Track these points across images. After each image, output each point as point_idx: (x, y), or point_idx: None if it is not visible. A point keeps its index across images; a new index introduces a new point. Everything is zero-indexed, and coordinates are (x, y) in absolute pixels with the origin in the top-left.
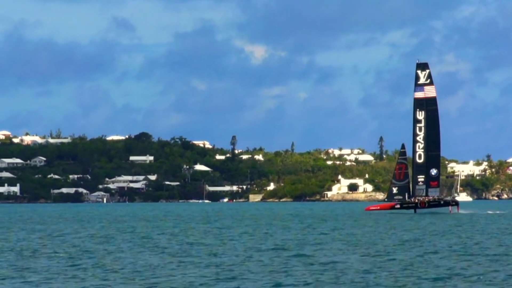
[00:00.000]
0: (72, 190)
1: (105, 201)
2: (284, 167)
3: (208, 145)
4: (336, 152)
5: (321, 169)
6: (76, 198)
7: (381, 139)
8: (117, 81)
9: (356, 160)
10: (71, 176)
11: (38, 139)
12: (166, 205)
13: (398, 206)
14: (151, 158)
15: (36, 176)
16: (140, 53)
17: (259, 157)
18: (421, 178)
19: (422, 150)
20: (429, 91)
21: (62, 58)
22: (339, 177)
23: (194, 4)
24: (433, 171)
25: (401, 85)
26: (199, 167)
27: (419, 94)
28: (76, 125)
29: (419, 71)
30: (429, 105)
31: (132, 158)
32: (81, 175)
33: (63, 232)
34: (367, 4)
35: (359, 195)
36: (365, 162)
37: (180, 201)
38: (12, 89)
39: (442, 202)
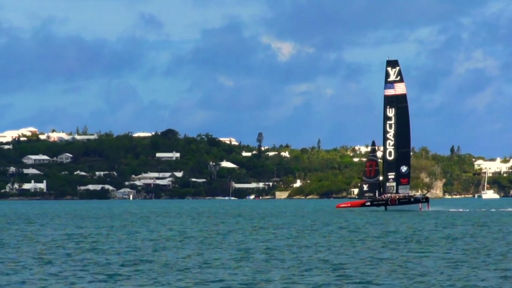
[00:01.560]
0: (98, 187)
1: (131, 198)
2: (310, 164)
3: (234, 142)
4: (363, 149)
5: (347, 166)
6: (102, 195)
7: None
8: (144, 77)
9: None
10: (97, 173)
11: (64, 136)
12: (204, 202)
13: (368, 203)
14: (177, 155)
15: (63, 172)
16: (167, 49)
17: (286, 154)
18: (391, 175)
19: (393, 147)
20: (399, 88)
21: (89, 55)
22: None
23: (222, 0)
24: (404, 168)
25: (429, 82)
26: (226, 164)
27: (389, 91)
28: (102, 122)
29: (389, 69)
30: (399, 102)
31: (158, 155)
32: (107, 172)
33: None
34: (395, 1)
35: None
36: None
37: (206, 198)
38: (40, 86)
39: (412, 200)
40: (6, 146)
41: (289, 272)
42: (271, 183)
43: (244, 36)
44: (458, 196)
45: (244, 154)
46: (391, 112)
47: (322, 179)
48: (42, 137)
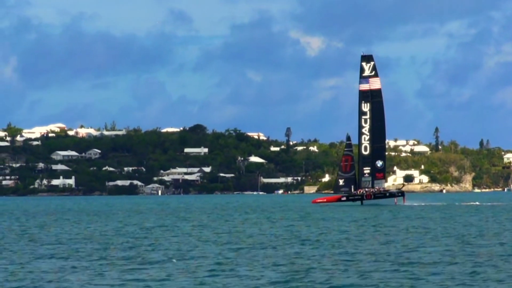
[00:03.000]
0: (127, 183)
1: (159, 194)
2: (339, 159)
3: (262, 136)
4: (392, 143)
5: None
6: (131, 190)
7: (436, 130)
8: (173, 73)
9: (412, 151)
10: (125, 169)
11: (93, 132)
12: (236, 197)
13: (344, 198)
14: (206, 150)
15: (91, 168)
16: (196, 45)
17: (314, 148)
18: (367, 170)
19: (368, 142)
20: (374, 83)
21: (119, 51)
22: (395, 168)
23: None
24: (379, 163)
25: (458, 76)
26: (254, 159)
27: (364, 86)
28: (131, 118)
29: (364, 63)
30: (374, 97)
31: (186, 150)
32: (135, 168)
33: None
34: None
35: (414, 186)
36: (420, 153)
37: (235, 193)
38: (69, 82)
39: (387, 194)
40: (35, 142)
41: None
42: (299, 178)
43: (273, 31)
44: (487, 190)
45: (273, 149)
46: (366, 107)
47: None
48: (71, 133)
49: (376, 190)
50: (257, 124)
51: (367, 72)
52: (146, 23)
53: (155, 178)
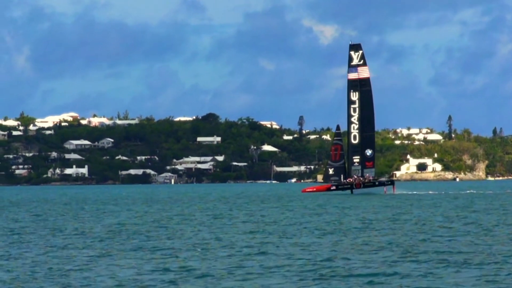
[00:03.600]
0: (140, 172)
1: (173, 182)
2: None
3: (275, 125)
4: (405, 132)
5: (389, 149)
6: (144, 179)
7: (449, 118)
8: (186, 62)
9: (425, 140)
10: (138, 158)
11: (105, 121)
12: (253, 186)
13: (333, 187)
14: (219, 139)
15: (104, 157)
16: (209, 33)
17: (327, 137)
18: (356, 159)
19: (357, 131)
20: (363, 72)
21: (131, 40)
22: (408, 156)
23: None
24: (368, 152)
25: (472, 64)
26: (267, 147)
27: (352, 75)
28: (144, 107)
29: (352, 52)
30: (363, 86)
31: (199, 139)
32: (148, 156)
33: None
34: None
35: (428, 174)
36: (433, 142)
37: (248, 181)
38: (82, 71)
39: (377, 183)
40: (48, 132)
41: None
42: (312, 167)
43: (286, 19)
44: (501, 178)
45: (285, 137)
46: (355, 96)
47: None
48: (83, 122)
49: (366, 179)
50: (270, 113)
51: (355, 61)
52: (159, 12)
53: (168, 167)
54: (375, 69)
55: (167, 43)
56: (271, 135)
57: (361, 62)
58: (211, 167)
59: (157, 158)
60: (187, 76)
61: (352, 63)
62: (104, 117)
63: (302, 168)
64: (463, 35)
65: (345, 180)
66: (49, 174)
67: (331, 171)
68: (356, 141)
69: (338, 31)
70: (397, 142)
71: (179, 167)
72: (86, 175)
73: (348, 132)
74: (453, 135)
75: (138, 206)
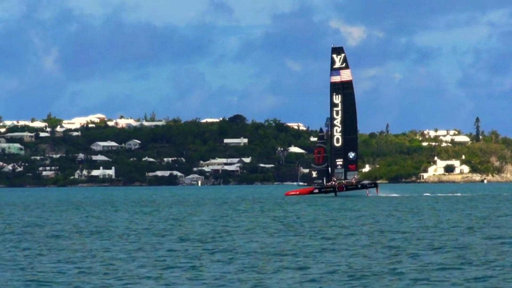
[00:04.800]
0: (166, 173)
1: (199, 184)
2: (379, 149)
3: (302, 127)
4: (432, 133)
5: (416, 151)
6: (171, 181)
7: (477, 119)
8: (213, 63)
9: (452, 141)
10: (165, 159)
11: (132, 122)
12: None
13: (316, 190)
14: (245, 140)
15: (131, 159)
16: (237, 35)
17: None
18: (339, 162)
19: (340, 133)
20: (345, 75)
21: (159, 41)
22: (435, 158)
23: None
24: (351, 154)
25: (500, 65)
26: (294, 149)
27: (335, 78)
28: (171, 108)
29: (334, 55)
30: (345, 89)
31: (226, 140)
32: (175, 158)
33: None
34: None
35: (455, 176)
36: (461, 143)
37: (275, 183)
38: (110, 73)
39: (359, 186)
40: (75, 133)
41: None
42: None
43: (314, 20)
44: None
45: (312, 139)
46: (337, 99)
47: (391, 163)
48: (110, 123)
49: (349, 181)
50: (297, 114)
51: (338, 64)
52: (187, 13)
53: (194, 169)
54: (402, 70)
55: (195, 44)
56: (298, 137)
57: (344, 65)
58: (238, 168)
59: (183, 160)
60: (214, 77)
61: (334, 66)
62: (131, 118)
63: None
64: (491, 36)
65: (328, 183)
66: (76, 176)
67: (314, 174)
68: (339, 144)
69: (366, 32)
70: (425, 143)
71: (205, 168)
72: (113, 177)
73: (331, 135)
74: (480, 137)
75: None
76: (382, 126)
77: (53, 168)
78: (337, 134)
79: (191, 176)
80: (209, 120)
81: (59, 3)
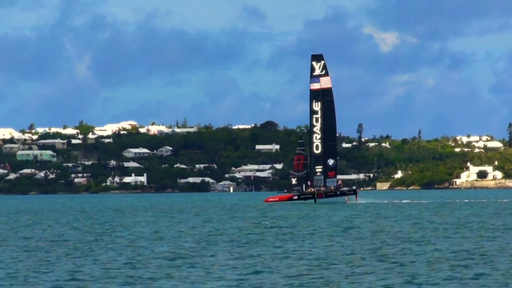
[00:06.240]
0: (198, 180)
1: (231, 191)
2: (411, 155)
3: None
4: (464, 139)
5: (449, 156)
6: (203, 187)
7: (510, 125)
8: (246, 70)
9: (485, 147)
10: (197, 166)
11: (164, 129)
12: None
13: (296, 197)
14: (277, 146)
15: (163, 165)
16: (269, 41)
17: (386, 144)
18: (319, 169)
19: (319, 140)
20: (325, 82)
21: (192, 48)
22: (468, 164)
23: None
24: (330, 161)
25: None
26: None
27: (315, 86)
28: (202, 114)
29: (314, 63)
30: (325, 96)
31: (258, 147)
32: (207, 165)
33: None
34: None
35: (488, 182)
36: (494, 149)
37: None
38: (142, 79)
39: (338, 192)
40: (107, 140)
41: None
42: (371, 174)
43: (346, 27)
44: None
45: (344, 145)
46: (317, 106)
47: (424, 169)
48: (142, 130)
49: (329, 188)
50: None
51: (317, 71)
52: (220, 19)
53: (226, 175)
54: (435, 76)
55: (227, 50)
56: None
57: (323, 72)
58: (269, 175)
59: (215, 166)
60: (247, 83)
61: (314, 73)
62: (162, 125)
63: (361, 176)
64: None
65: (307, 190)
66: (108, 183)
67: (293, 181)
68: (319, 151)
69: (399, 38)
70: (457, 149)
71: (237, 175)
72: (145, 183)
73: (311, 142)
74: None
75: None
76: (415, 132)
77: (85, 175)
78: (317, 141)
79: (222, 182)
80: (241, 126)
81: (93, 10)
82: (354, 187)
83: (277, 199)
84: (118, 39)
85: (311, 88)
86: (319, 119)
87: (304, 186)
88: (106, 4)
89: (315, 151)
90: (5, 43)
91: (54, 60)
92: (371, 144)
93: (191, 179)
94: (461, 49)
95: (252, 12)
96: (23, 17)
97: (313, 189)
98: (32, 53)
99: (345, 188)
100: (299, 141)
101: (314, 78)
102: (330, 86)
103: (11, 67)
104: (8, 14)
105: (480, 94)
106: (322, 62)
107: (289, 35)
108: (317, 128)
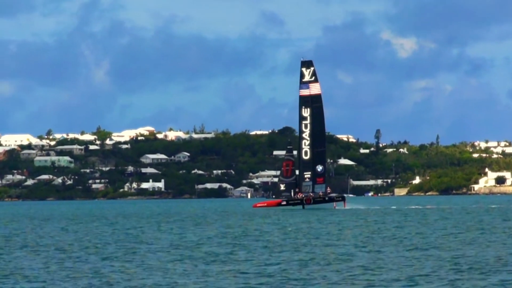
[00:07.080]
0: (216, 186)
1: (249, 197)
2: (429, 161)
3: (352, 139)
4: (482, 145)
5: (467, 162)
6: (220, 193)
7: None
8: (264, 75)
9: (503, 153)
10: (214, 172)
11: (181, 135)
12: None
13: (284, 203)
14: (295, 152)
15: (180, 171)
16: (288, 47)
17: (404, 150)
18: (307, 175)
19: (308, 147)
20: (314, 88)
21: (210, 54)
22: (486, 170)
23: None
24: (319, 168)
25: None
26: (343, 161)
27: (304, 92)
28: (220, 120)
29: (303, 69)
30: (314, 102)
31: (275, 152)
32: (224, 170)
33: None
34: None
35: (507, 188)
36: None
37: None
38: (161, 85)
39: (327, 198)
40: (124, 146)
41: None
42: (389, 180)
43: (366, 32)
44: None
45: (362, 151)
46: (306, 112)
47: (442, 175)
48: (160, 136)
49: (317, 194)
50: (347, 126)
51: (307, 78)
52: (238, 25)
53: (244, 181)
54: (453, 81)
55: (246, 56)
56: (348, 149)
57: (313, 78)
58: None
59: (233, 172)
60: (265, 89)
61: (303, 80)
62: (180, 131)
63: (379, 181)
64: None
65: (295, 196)
66: (126, 188)
67: (282, 187)
68: (308, 157)
69: (418, 43)
70: (475, 155)
71: (255, 181)
72: (163, 189)
73: (299, 148)
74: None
75: None
76: (433, 138)
77: (102, 181)
78: (306, 147)
79: (240, 188)
80: (259, 132)
81: (111, 16)
82: (344, 195)
83: (265, 204)
84: (136, 45)
85: (300, 94)
86: (308, 125)
87: (292, 192)
88: (125, 10)
89: (304, 157)
90: (24, 49)
91: (72, 66)
92: (389, 150)
93: (208, 185)
94: (479, 54)
95: (270, 18)
96: (42, 23)
97: (301, 195)
98: (51, 59)
99: (333, 194)
100: (288, 147)
101: (304, 84)
102: (319, 92)
103: (29, 73)
104: (27, 20)
105: (498, 99)
106: (312, 68)
107: (307, 41)
108: (306, 134)
